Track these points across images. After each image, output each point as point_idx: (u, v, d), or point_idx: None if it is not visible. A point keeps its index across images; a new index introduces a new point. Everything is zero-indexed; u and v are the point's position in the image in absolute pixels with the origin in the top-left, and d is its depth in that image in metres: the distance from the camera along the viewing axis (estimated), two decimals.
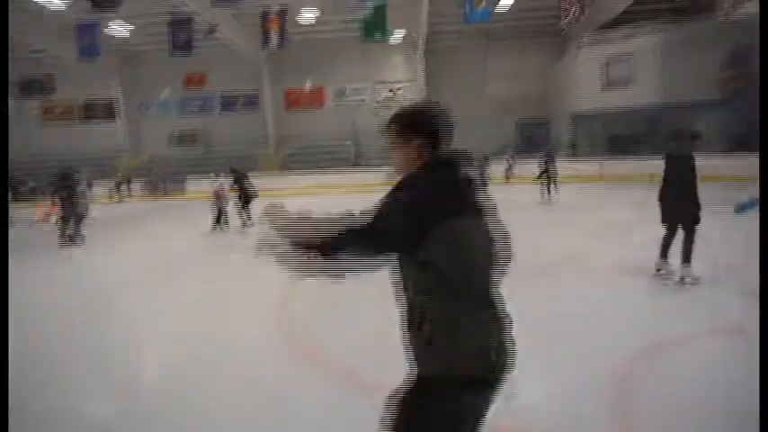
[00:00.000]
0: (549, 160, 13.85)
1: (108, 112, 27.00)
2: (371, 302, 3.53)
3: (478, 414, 1.60)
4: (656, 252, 5.76)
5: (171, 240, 10.91)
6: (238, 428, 3.05)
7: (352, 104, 26.22)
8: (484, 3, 17.72)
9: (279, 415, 3.16)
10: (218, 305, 5.70)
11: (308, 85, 25.47)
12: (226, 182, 11.75)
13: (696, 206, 5.29)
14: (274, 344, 4.40)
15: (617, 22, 19.71)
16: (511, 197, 15.09)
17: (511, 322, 1.69)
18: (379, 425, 1.63)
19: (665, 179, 5.70)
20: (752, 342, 2.46)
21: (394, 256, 1.61)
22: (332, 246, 1.51)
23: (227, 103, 26.85)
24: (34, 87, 27.26)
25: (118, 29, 21.45)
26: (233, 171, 11.73)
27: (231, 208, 11.44)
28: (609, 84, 19.88)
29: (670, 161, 5.65)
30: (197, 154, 26.24)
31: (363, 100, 26.31)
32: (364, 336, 4.20)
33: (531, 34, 24.78)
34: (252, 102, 26.58)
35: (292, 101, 26.53)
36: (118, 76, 26.03)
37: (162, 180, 23.53)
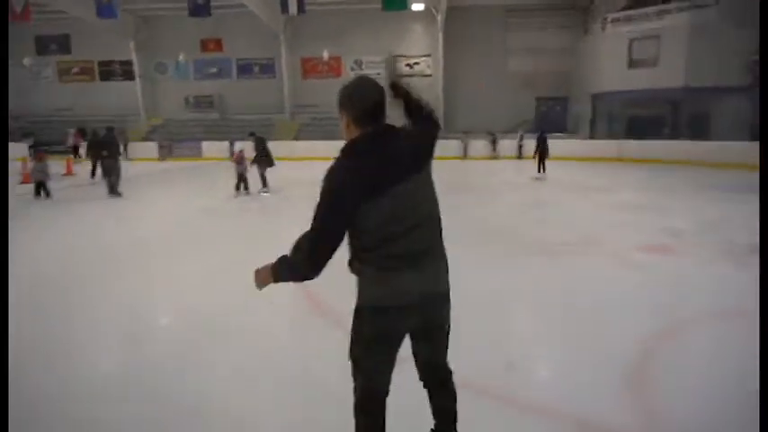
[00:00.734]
0: (542, 139, 15.12)
1: (125, 73, 26.92)
2: None
3: (397, 337, 1.94)
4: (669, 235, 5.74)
5: (197, 202, 11.01)
6: (256, 366, 3.17)
7: (369, 77, 25.91)
8: None
9: (292, 361, 3.27)
10: (238, 264, 5.81)
11: (325, 55, 25.17)
12: (244, 147, 11.76)
13: None
14: (292, 301, 4.53)
15: (645, 0, 19.24)
16: (515, 176, 15.05)
17: (433, 270, 1.94)
18: None
19: None
20: None
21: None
22: (302, 265, 1.85)
23: (244, 69, 26.66)
24: (51, 47, 27.23)
25: None
26: (252, 135, 11.72)
27: (251, 173, 11.51)
28: (633, 64, 19.48)
29: None
30: (213, 118, 26.21)
31: (379, 73, 25.99)
32: None
33: (555, 10, 24.24)
34: (269, 68, 26.37)
35: (309, 69, 26.29)
36: (133, 39, 25.84)
37: (176, 144, 23.59)
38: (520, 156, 21.39)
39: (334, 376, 2.38)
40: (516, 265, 5.75)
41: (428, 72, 25.44)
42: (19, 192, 12.42)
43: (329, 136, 23.64)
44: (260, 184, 11.50)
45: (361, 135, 1.83)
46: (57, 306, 4.59)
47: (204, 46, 26.47)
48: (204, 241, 7.29)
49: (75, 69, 27.54)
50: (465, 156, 22.06)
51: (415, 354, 2.09)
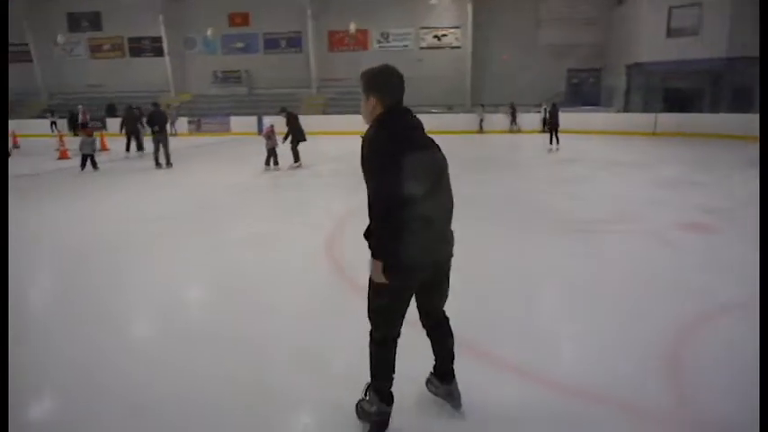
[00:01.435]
0: (553, 111, 15.17)
1: (154, 49, 27.19)
2: None
3: (415, 288, 2.28)
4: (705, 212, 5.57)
5: (229, 177, 11.19)
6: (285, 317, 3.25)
7: (395, 49, 25.56)
8: None
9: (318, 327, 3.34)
10: (269, 235, 5.93)
11: (351, 28, 24.87)
12: (274, 122, 11.83)
13: None
14: (319, 268, 4.60)
15: None
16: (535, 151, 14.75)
17: (447, 234, 2.28)
18: None
19: None
20: None
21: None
22: (383, 227, 2.05)
23: (271, 43, 26.60)
24: (82, 23, 27.64)
25: None
26: (284, 111, 11.77)
27: (281, 148, 11.59)
28: (671, 33, 18.67)
29: None
30: (240, 93, 26.36)
31: (406, 45, 25.60)
32: None
33: None
34: (295, 42, 26.24)
35: (335, 42, 26.07)
36: (162, 14, 25.97)
37: (204, 119, 23.86)
38: (544, 129, 20.91)
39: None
40: (546, 242, 5.69)
41: (456, 44, 24.94)
42: (59, 166, 12.86)
43: (356, 110, 23.55)
44: (291, 160, 11.59)
45: (384, 112, 2.18)
46: (120, 264, 4.78)
47: (232, 20, 26.48)
48: (239, 214, 7.42)
49: (106, 46, 27.96)
50: (481, 129, 21.64)
51: (421, 303, 2.42)
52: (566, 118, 21.03)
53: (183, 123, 23.45)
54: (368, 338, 2.37)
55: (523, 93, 22.87)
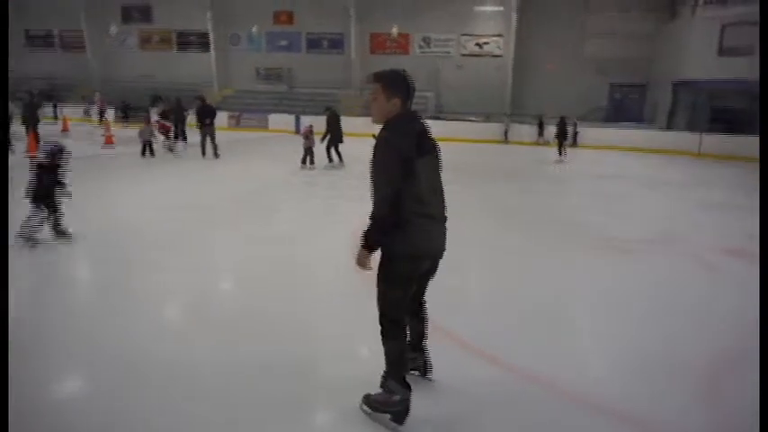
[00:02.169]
0: (561, 123, 15.73)
1: (200, 43, 27.86)
2: None
3: (417, 277, 2.51)
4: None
5: (266, 172, 11.45)
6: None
7: (436, 55, 25.52)
8: None
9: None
10: (301, 230, 6.01)
11: (394, 31, 24.95)
12: (313, 122, 11.98)
13: None
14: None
15: None
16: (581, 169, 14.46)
17: (444, 230, 2.52)
18: None
19: None
20: None
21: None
22: (384, 216, 2.28)
23: (313, 43, 26.92)
24: (134, 15, 28.56)
25: None
26: (329, 110, 11.91)
27: (318, 148, 11.71)
28: (723, 51, 18.06)
29: None
30: (280, 91, 26.74)
31: (448, 52, 25.52)
32: None
33: None
34: (337, 43, 26.48)
35: (377, 45, 26.18)
36: (210, 10, 26.59)
37: (244, 114, 24.30)
38: (575, 143, 20.52)
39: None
40: (584, 261, 5.59)
41: (498, 52, 24.71)
42: (104, 153, 13.40)
43: None
44: (326, 160, 11.70)
45: (400, 115, 2.37)
46: (157, 250, 4.95)
47: (276, 18, 26.90)
48: (273, 209, 7.55)
49: (156, 38, 28.81)
50: (506, 140, 21.36)
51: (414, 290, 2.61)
52: (606, 133, 20.73)
53: (223, 117, 23.91)
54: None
55: (564, 105, 22.45)
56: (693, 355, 3.37)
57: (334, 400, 2.74)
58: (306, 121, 17.36)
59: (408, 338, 2.71)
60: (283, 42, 27.19)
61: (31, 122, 12.82)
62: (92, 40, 28.18)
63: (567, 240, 6.33)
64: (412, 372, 2.81)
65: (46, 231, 5.26)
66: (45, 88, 25.86)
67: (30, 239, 5.10)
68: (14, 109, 13.72)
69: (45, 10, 28.21)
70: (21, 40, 30.16)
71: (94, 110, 22.91)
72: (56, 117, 21.82)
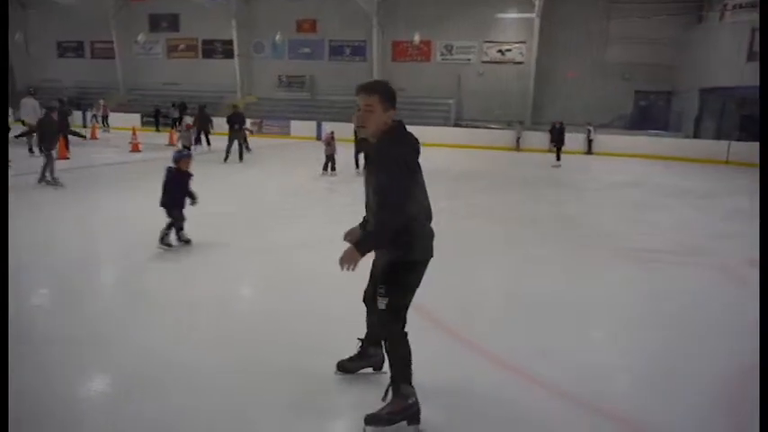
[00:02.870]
0: (557, 130, 16.53)
1: (225, 51, 28.33)
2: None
3: (419, 281, 2.51)
4: None
5: (288, 179, 11.59)
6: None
7: (458, 62, 25.51)
8: None
9: None
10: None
11: (416, 38, 25.01)
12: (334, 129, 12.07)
13: None
14: None
15: None
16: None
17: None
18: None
19: None
20: None
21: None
22: (391, 223, 2.32)
23: (336, 50, 27.15)
24: (162, 24, 29.23)
25: None
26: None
27: (339, 155, 11.80)
28: (753, 56, 17.63)
29: None
30: (302, 98, 27.00)
31: (470, 59, 25.48)
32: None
33: None
34: (360, 51, 26.65)
35: (399, 52, 26.28)
36: (235, 18, 27.03)
37: (266, 121, 24.62)
38: (589, 150, 20.28)
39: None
40: (604, 269, 5.51)
41: (520, 59, 24.58)
42: (132, 159, 13.71)
43: (416, 120, 23.65)
44: (353, 167, 11.75)
45: (399, 125, 2.43)
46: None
47: (299, 26, 27.22)
48: (293, 216, 7.62)
49: (182, 46, 29.40)
50: (518, 147, 21.17)
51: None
52: (631, 141, 20.43)
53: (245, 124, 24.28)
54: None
55: (588, 112, 22.24)
56: (720, 368, 3.29)
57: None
58: (327, 127, 17.52)
59: (368, 336, 2.87)
60: (306, 50, 27.49)
61: (63, 129, 13.24)
62: (120, 49, 28.90)
63: (587, 249, 6.24)
64: (368, 369, 2.94)
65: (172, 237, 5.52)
66: (74, 96, 26.64)
67: (165, 243, 5.40)
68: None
69: (76, 22, 29.05)
70: (53, 51, 31.15)
71: (98, 115, 23.40)
72: (85, 125, 22.38)
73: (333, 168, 11.68)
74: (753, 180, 13.96)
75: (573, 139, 20.67)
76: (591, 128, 20.52)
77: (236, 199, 8.89)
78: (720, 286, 5.08)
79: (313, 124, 23.04)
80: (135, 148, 15.18)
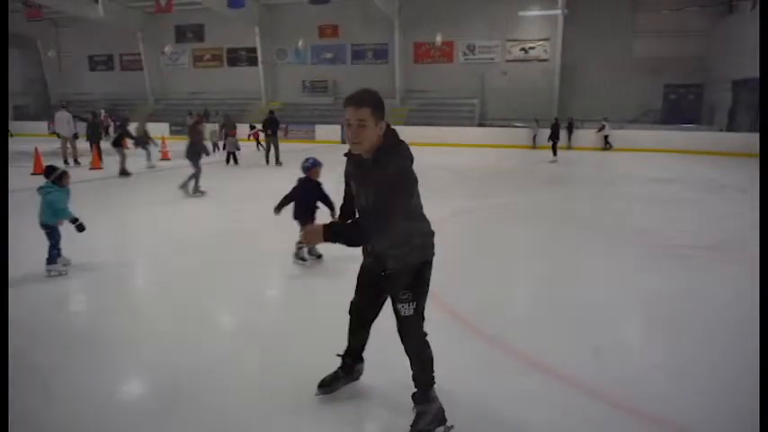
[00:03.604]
0: (554, 126, 17.12)
1: (249, 59, 28.79)
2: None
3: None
4: None
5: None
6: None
7: (481, 62, 25.36)
8: None
9: None
10: None
11: (438, 39, 24.96)
12: None
13: None
14: None
15: None
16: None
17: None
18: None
19: None
20: None
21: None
22: (370, 234, 2.27)
23: (358, 54, 27.31)
24: (188, 35, 29.89)
25: None
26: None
27: None
28: None
29: None
30: (326, 103, 27.22)
31: (493, 58, 25.29)
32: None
33: None
34: (382, 53, 26.74)
35: (421, 54, 26.27)
36: (258, 26, 27.43)
37: (291, 126, 24.89)
38: (606, 146, 19.94)
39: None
40: (640, 266, 5.39)
41: (544, 57, 24.29)
42: (158, 165, 14.00)
43: (438, 122, 23.60)
44: None
45: (393, 133, 2.31)
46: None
47: (321, 32, 27.48)
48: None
49: (207, 56, 30.00)
50: (534, 145, 20.88)
51: (380, 295, 2.61)
52: (662, 136, 19.96)
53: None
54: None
55: (616, 108, 21.83)
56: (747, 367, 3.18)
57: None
58: None
59: (348, 350, 2.82)
60: (328, 55, 27.73)
61: (94, 139, 13.70)
62: (148, 61, 29.64)
63: (621, 245, 6.13)
64: (351, 382, 2.87)
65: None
66: (106, 107, 27.40)
67: (299, 257, 5.17)
68: (80, 128, 14.76)
69: (106, 36, 29.87)
70: (85, 65, 32.15)
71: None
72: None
73: None
74: None
75: (585, 136, 20.55)
76: (606, 123, 20.15)
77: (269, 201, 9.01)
78: (755, 282, 4.91)
79: (338, 128, 23.17)
80: (165, 156, 15.52)
